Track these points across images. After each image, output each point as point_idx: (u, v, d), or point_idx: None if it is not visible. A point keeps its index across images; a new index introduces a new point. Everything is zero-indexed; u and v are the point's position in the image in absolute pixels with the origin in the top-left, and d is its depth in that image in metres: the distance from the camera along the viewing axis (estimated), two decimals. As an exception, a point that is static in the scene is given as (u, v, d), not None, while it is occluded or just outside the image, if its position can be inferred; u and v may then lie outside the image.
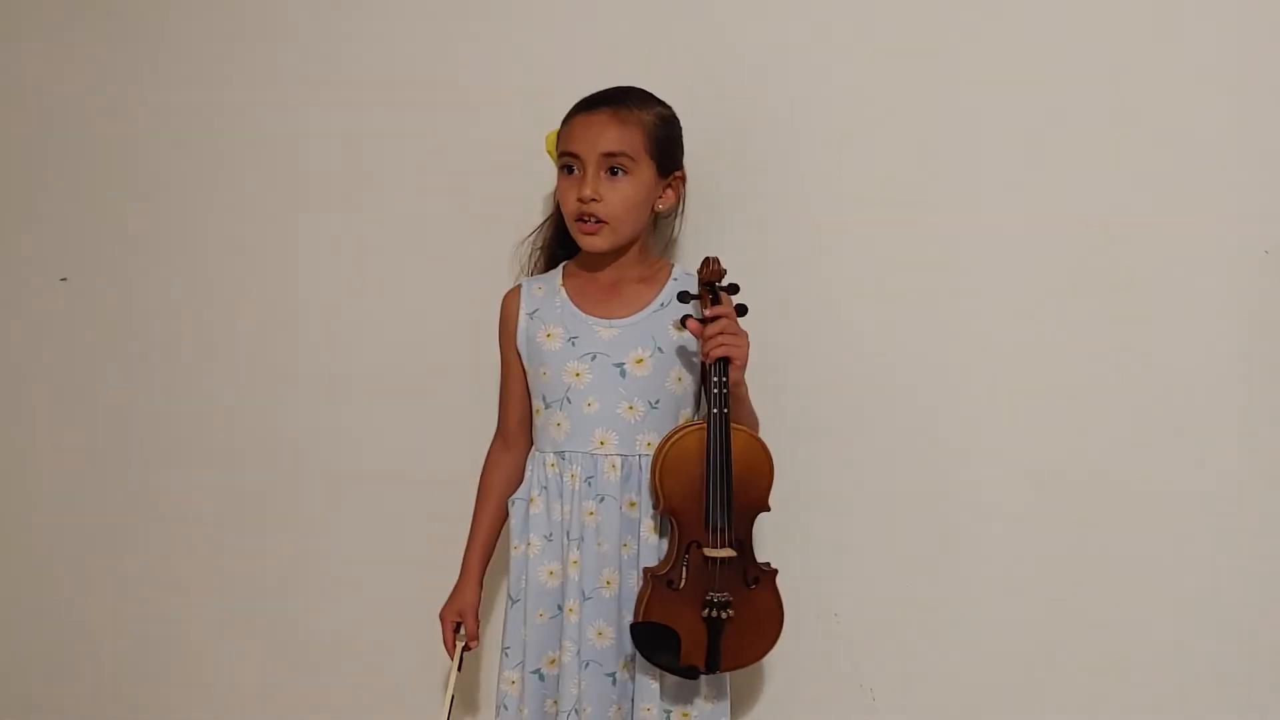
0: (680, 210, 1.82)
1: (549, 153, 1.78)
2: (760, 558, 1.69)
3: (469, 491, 1.85)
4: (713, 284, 1.64)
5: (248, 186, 2.19)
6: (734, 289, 1.65)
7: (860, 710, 1.87)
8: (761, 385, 1.75)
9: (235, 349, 2.20)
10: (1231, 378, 1.71)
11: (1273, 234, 1.70)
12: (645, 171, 1.70)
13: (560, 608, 1.70)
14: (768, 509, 1.66)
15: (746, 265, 1.69)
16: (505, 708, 1.73)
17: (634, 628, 1.64)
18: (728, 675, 1.74)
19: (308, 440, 2.16)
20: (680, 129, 1.76)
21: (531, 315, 1.77)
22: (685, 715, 1.71)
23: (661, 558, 1.68)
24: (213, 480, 2.22)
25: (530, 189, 1.95)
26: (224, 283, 2.21)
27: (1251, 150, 1.70)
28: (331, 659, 2.17)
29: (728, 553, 1.61)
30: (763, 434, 1.69)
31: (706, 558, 1.62)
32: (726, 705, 1.74)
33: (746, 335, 1.64)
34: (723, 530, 1.61)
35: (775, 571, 1.68)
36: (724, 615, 1.62)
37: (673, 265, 1.79)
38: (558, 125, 1.75)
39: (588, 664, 1.69)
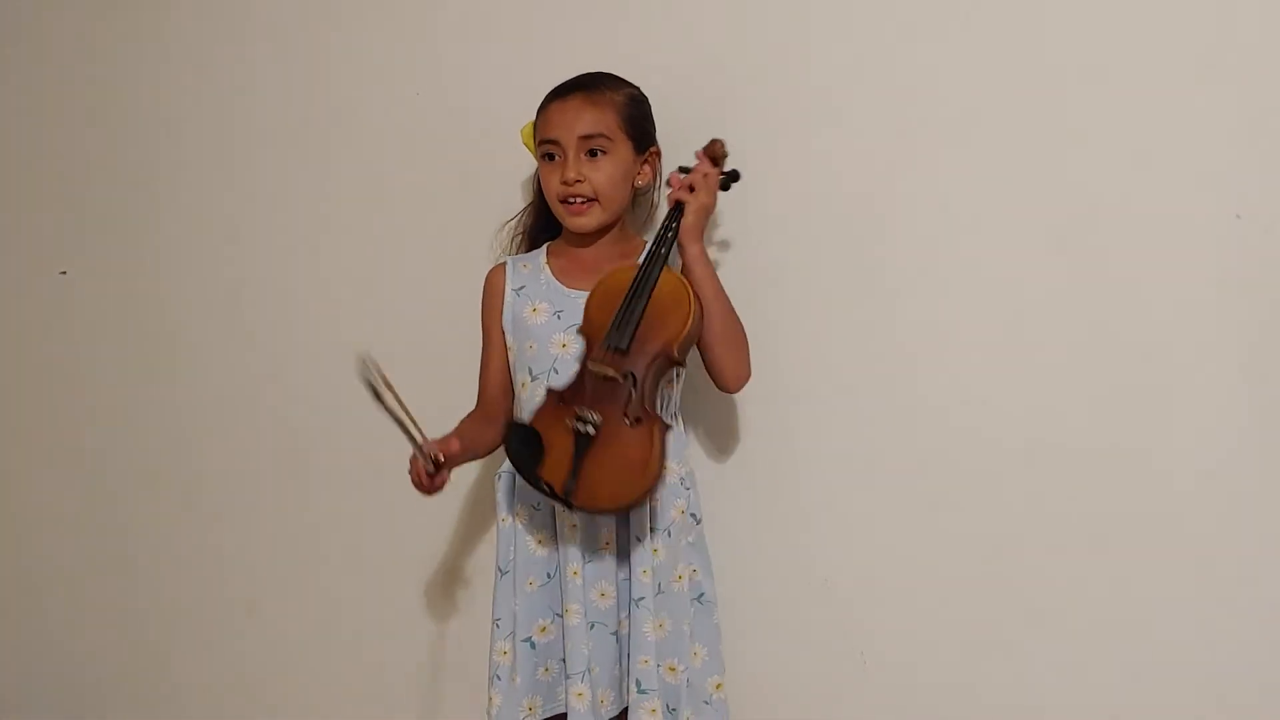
0: (657, 185, 1.85)
1: (526, 145, 1.82)
2: (745, 520, 1.68)
3: (455, 473, 1.83)
4: (714, 158, 1.71)
5: (238, 179, 2.22)
6: (735, 175, 1.72)
7: (851, 674, 1.89)
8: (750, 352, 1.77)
9: (229, 337, 2.23)
10: (1208, 341, 1.73)
11: (1244, 199, 1.72)
12: (623, 149, 1.74)
13: (549, 575, 1.73)
14: (679, 361, 1.65)
15: (730, 237, 1.72)
16: (499, 678, 1.75)
17: (505, 424, 1.67)
18: (719, 636, 1.75)
19: (300, 426, 2.19)
20: (650, 107, 1.80)
21: (518, 291, 1.80)
22: (673, 669, 1.71)
23: (652, 509, 1.69)
24: (206, 468, 2.25)
25: (511, 176, 1.98)
26: (218, 274, 2.24)
27: (1221, 115, 1.71)
28: (332, 645, 2.19)
29: (607, 370, 1.61)
30: (750, 401, 1.69)
31: (590, 372, 1.63)
32: (719, 665, 1.75)
33: (714, 198, 1.72)
34: (613, 350, 1.62)
35: (665, 425, 1.64)
36: (586, 431, 1.59)
37: (648, 243, 1.82)
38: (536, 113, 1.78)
39: (593, 625, 1.71)
